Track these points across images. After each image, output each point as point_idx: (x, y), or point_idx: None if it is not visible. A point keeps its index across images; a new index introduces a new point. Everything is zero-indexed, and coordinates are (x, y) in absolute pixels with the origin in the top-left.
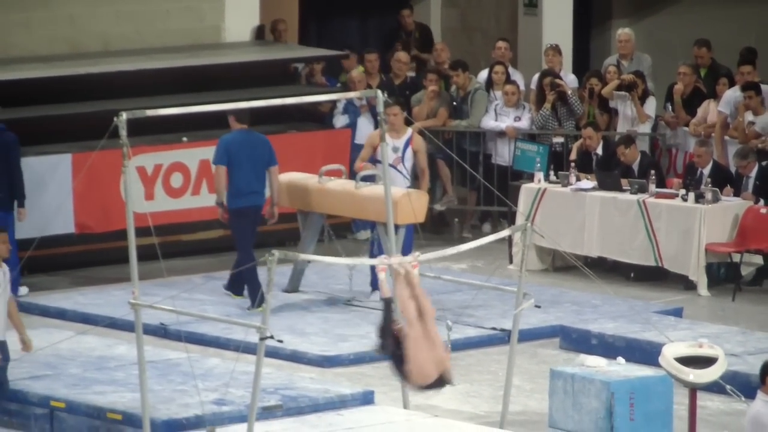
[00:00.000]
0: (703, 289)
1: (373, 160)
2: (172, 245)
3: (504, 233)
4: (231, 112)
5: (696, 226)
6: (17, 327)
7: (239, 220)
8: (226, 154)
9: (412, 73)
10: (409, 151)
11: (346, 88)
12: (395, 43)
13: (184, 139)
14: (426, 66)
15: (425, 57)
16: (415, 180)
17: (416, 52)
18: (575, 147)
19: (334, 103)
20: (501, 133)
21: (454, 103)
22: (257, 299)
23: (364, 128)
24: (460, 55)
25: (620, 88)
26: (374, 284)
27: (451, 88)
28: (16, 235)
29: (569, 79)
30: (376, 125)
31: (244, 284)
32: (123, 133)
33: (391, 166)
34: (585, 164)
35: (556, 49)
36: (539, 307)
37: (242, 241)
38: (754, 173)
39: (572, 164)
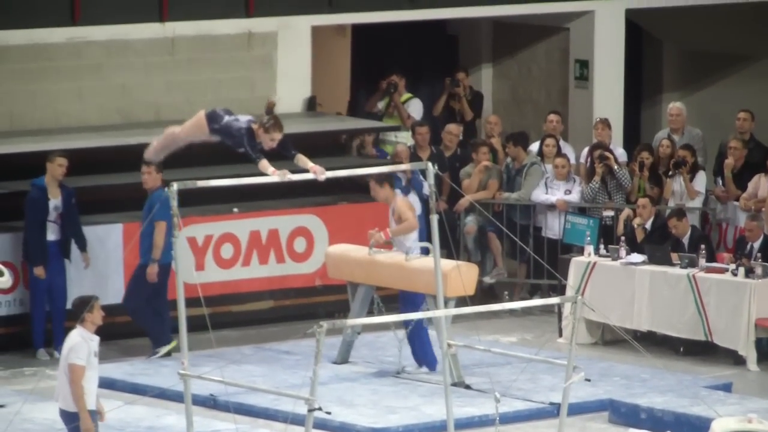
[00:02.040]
0: (752, 364)
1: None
2: (222, 316)
3: (553, 300)
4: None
5: (746, 300)
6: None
7: (167, 274)
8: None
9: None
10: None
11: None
12: (445, 99)
13: (235, 210)
14: (474, 132)
15: (471, 116)
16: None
17: (461, 105)
18: (621, 219)
19: None
20: (551, 206)
21: (506, 175)
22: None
23: (413, 201)
24: (511, 128)
25: (669, 166)
26: (421, 360)
27: (506, 159)
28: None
29: (618, 153)
30: (420, 197)
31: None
32: (174, 203)
33: None
34: (631, 240)
35: (605, 123)
36: (589, 380)
37: (165, 294)
38: None
39: (622, 237)
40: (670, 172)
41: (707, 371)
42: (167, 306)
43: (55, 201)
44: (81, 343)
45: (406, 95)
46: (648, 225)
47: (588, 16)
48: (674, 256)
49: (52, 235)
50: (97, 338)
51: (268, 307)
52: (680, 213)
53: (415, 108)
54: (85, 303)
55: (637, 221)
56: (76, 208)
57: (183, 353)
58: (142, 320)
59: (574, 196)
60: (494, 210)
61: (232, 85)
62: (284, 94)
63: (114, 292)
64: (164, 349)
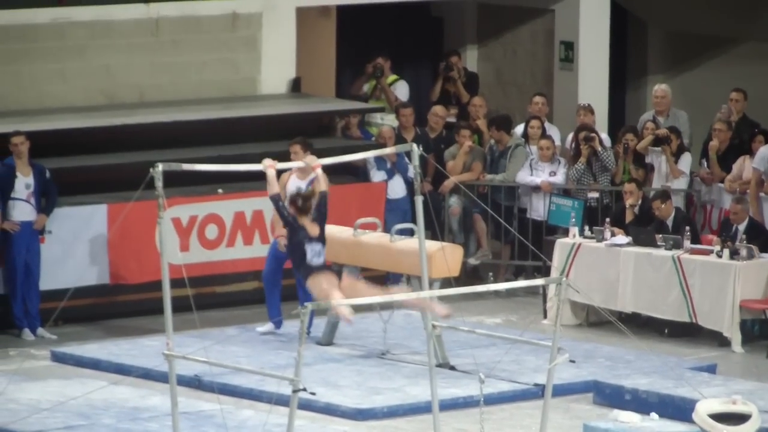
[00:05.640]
0: (737, 346)
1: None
2: (207, 297)
3: (538, 282)
4: None
5: (730, 282)
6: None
7: None
8: None
9: (452, 119)
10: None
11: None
12: (437, 83)
13: (220, 190)
14: (467, 113)
15: (468, 97)
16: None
17: (456, 88)
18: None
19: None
20: (536, 188)
21: (490, 157)
22: None
23: (397, 183)
24: (496, 110)
25: (655, 143)
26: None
27: (489, 142)
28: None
29: (602, 138)
30: (404, 179)
31: None
32: (159, 184)
33: None
34: (620, 220)
35: (587, 109)
36: (573, 362)
37: None
38: None
39: (607, 219)
40: (651, 148)
41: (692, 353)
42: None
43: (25, 179)
44: None
45: (392, 77)
46: (636, 209)
47: None
48: (658, 238)
49: (25, 215)
50: None
51: (252, 287)
52: (665, 195)
53: (402, 90)
54: None
55: (629, 202)
56: (53, 185)
57: (168, 333)
58: None
59: (559, 178)
60: (479, 192)
61: (217, 66)
62: (269, 76)
63: (98, 272)
64: None
